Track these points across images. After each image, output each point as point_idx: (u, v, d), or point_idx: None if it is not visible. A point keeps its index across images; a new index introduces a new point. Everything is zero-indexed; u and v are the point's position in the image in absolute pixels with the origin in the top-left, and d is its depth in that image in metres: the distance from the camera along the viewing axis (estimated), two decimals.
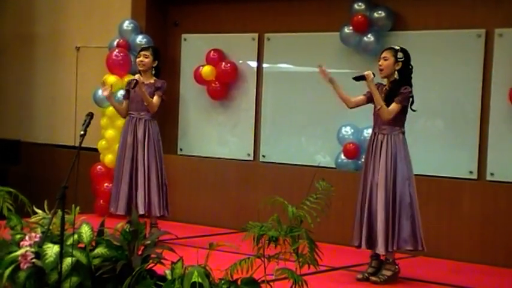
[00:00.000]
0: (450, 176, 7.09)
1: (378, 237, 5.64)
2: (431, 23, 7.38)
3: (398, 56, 5.77)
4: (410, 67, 5.81)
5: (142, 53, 6.92)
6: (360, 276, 5.76)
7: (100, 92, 8.51)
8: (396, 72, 5.77)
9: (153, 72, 6.93)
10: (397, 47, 5.85)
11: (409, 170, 5.77)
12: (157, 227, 6.79)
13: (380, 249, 5.66)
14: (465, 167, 7.10)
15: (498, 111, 6.96)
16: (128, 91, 6.97)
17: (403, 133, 5.81)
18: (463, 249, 6.80)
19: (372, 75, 5.75)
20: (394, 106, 5.72)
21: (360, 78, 5.80)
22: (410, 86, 5.77)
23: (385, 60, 5.80)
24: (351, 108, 6.04)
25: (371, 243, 5.74)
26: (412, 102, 5.80)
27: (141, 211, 6.69)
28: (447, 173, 7.13)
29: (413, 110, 5.82)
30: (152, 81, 6.89)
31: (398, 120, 5.78)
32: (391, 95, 5.75)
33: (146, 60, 6.87)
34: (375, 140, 5.82)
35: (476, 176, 7.06)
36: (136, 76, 6.73)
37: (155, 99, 6.83)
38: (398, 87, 5.73)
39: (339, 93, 5.91)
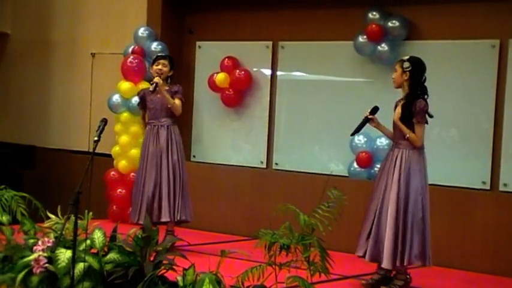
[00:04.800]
0: (463, 186, 7.07)
1: (385, 252, 5.57)
2: (445, 32, 7.37)
3: (404, 66, 5.68)
4: (422, 77, 5.71)
5: (162, 61, 6.82)
6: (364, 282, 5.73)
7: (115, 97, 8.57)
8: (406, 83, 5.70)
9: (168, 81, 6.90)
10: (406, 57, 5.78)
11: (424, 184, 5.67)
12: (174, 234, 6.76)
13: (385, 264, 5.58)
14: (478, 177, 7.07)
15: None
16: (142, 100, 6.92)
17: (422, 147, 5.71)
18: (475, 260, 6.77)
19: (372, 114, 5.78)
20: (418, 129, 5.63)
21: (361, 126, 5.84)
22: (424, 97, 5.70)
23: (395, 71, 5.76)
24: None
25: (376, 256, 5.68)
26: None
27: (167, 218, 6.69)
28: (460, 183, 7.10)
29: (431, 116, 5.71)
30: (167, 88, 6.88)
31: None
32: (406, 111, 5.66)
33: (165, 69, 6.80)
34: (392, 153, 5.76)
35: (489, 187, 7.03)
36: (156, 79, 6.67)
37: (177, 101, 6.78)
38: (411, 102, 5.64)
39: (384, 133, 5.96)
